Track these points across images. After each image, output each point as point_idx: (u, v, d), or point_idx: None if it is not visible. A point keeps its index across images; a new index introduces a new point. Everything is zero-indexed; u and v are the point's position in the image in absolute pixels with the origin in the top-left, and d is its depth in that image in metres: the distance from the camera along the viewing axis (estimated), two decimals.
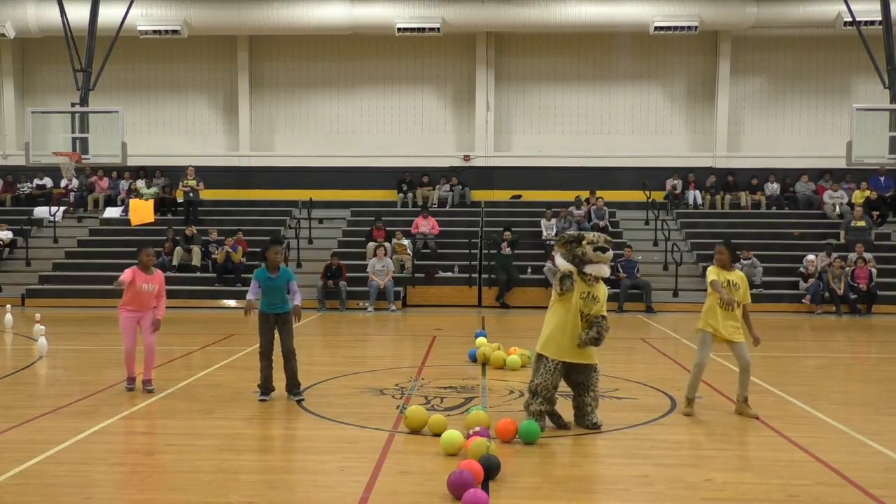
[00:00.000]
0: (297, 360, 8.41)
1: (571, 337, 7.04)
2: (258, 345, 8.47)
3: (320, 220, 22.40)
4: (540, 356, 7.18)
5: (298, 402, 8.23)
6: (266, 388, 8.38)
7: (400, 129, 24.53)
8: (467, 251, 20.00)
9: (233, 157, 24.65)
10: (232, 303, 18.72)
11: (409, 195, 23.21)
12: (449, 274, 19.91)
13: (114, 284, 8.79)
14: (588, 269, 7.07)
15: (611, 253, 7.17)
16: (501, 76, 24.29)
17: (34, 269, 20.34)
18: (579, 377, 7.20)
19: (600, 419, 7.26)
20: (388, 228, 20.68)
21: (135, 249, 19.44)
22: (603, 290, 7.21)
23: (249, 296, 8.54)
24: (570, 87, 24.28)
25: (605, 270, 7.15)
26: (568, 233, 7.35)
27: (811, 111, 24.02)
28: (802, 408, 8.20)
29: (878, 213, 21.46)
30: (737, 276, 7.84)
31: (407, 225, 21.16)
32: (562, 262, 7.22)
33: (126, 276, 8.60)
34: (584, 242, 7.09)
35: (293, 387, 8.40)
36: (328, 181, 23.91)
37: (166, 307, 9.02)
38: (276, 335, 8.41)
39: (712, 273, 7.78)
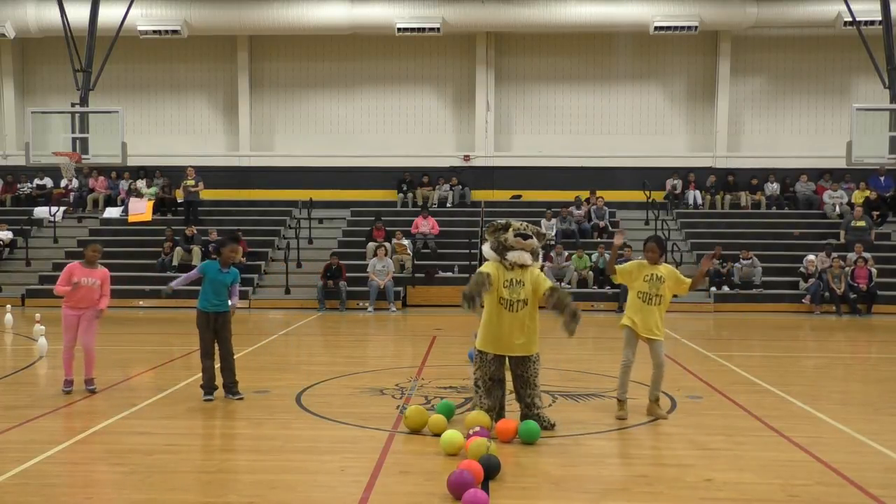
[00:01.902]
0: (234, 362, 8.47)
1: (500, 329, 6.98)
2: (198, 345, 8.44)
3: (320, 220, 22.41)
4: (479, 351, 7.18)
5: (238, 399, 8.29)
6: (210, 387, 8.38)
7: (400, 129, 24.53)
8: (467, 251, 20.00)
9: (233, 157, 24.65)
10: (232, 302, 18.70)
11: (409, 195, 23.22)
12: (449, 274, 19.91)
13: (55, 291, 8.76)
14: (509, 255, 7.03)
15: (534, 241, 7.10)
16: (501, 76, 24.29)
17: (34, 269, 20.33)
18: (517, 369, 7.13)
19: (551, 418, 7.18)
20: (388, 228, 20.69)
21: (135, 250, 19.33)
22: (527, 274, 7.06)
23: (175, 283, 8.54)
24: (570, 87, 24.29)
25: (526, 258, 7.05)
26: (498, 221, 7.33)
27: (811, 111, 24.02)
28: (802, 408, 8.20)
29: (878, 213, 21.46)
30: (663, 269, 7.65)
31: (407, 225, 21.16)
32: (487, 251, 7.19)
33: (63, 277, 8.58)
34: (509, 230, 7.09)
35: (232, 386, 8.44)
36: (328, 181, 23.91)
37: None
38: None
39: (629, 265, 7.70)
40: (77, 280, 8.55)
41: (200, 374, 8.51)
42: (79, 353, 8.75)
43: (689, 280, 7.68)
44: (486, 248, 7.22)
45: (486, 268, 7.07)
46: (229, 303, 8.57)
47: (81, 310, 8.67)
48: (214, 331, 8.41)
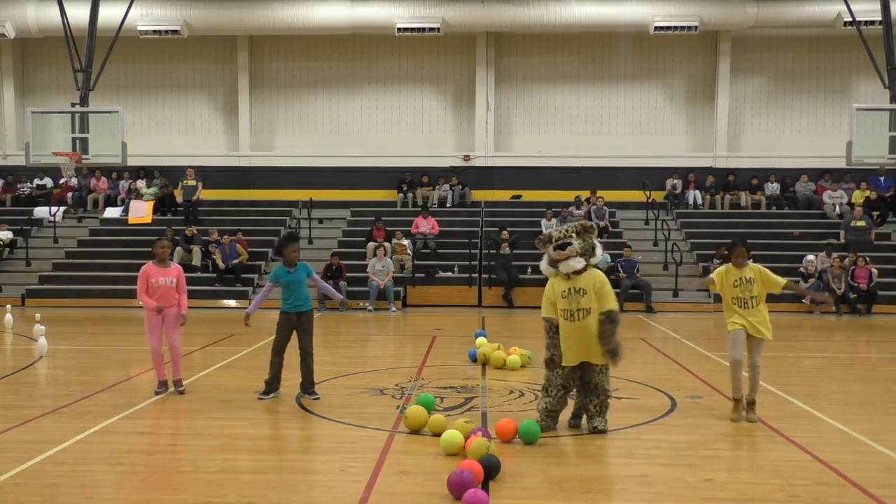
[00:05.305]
0: (314, 361, 8.49)
1: (569, 340, 6.94)
2: (273, 340, 8.49)
3: (320, 220, 22.41)
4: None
5: (314, 400, 8.30)
6: (273, 386, 8.40)
7: (400, 129, 24.53)
8: (467, 251, 19.99)
9: (233, 157, 24.65)
10: (232, 303, 18.74)
11: (409, 195, 23.22)
12: (449, 274, 19.90)
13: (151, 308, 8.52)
14: (560, 267, 6.98)
15: (574, 246, 6.93)
16: (501, 76, 24.29)
17: (34, 269, 20.32)
18: (587, 376, 7.11)
19: (602, 424, 7.08)
20: (388, 228, 20.67)
21: (135, 250, 19.33)
22: (589, 280, 6.96)
23: (251, 308, 8.59)
24: (569, 87, 24.29)
25: (576, 264, 6.92)
26: (544, 233, 7.19)
27: (811, 111, 24.02)
28: (802, 408, 8.20)
29: (878, 213, 21.45)
30: (749, 271, 7.55)
31: (407, 225, 21.16)
32: (544, 266, 7.18)
33: (141, 283, 8.46)
34: (549, 245, 7.05)
35: (309, 385, 8.46)
36: (328, 181, 23.91)
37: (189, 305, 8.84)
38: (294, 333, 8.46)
39: (717, 279, 7.58)
40: (153, 279, 8.47)
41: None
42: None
43: (783, 280, 7.63)
44: (544, 265, 7.18)
45: (546, 297, 7.08)
46: (340, 297, 9.30)
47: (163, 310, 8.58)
48: (296, 329, 8.42)
